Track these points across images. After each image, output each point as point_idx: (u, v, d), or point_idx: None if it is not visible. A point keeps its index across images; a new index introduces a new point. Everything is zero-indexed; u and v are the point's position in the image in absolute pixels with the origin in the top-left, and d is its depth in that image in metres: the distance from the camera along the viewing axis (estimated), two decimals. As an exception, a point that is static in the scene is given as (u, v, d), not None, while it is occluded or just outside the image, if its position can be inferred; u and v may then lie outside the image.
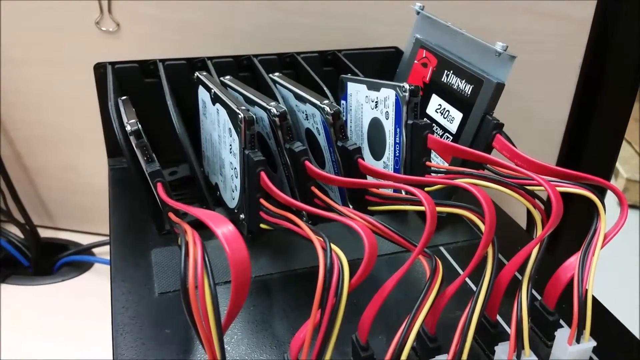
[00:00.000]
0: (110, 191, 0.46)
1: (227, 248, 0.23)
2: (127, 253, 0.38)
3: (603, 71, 0.58)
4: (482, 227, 0.26)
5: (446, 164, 0.40)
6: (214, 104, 0.38)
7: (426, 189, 0.34)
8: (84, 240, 0.69)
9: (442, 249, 0.40)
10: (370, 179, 0.35)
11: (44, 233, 0.69)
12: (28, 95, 0.61)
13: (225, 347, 0.30)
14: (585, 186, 0.29)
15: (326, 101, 0.36)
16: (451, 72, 0.41)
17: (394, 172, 0.39)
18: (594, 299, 0.31)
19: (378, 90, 0.40)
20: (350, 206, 0.36)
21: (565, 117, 0.61)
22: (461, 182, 0.29)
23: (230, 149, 0.36)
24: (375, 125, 0.41)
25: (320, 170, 0.33)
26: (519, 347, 0.27)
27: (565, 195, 0.28)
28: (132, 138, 0.33)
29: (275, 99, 0.39)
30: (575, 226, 0.53)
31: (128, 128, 0.33)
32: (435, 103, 0.43)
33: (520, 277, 0.29)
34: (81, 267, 0.65)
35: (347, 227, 0.26)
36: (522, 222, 0.45)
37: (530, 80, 0.57)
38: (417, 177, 0.36)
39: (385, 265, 0.37)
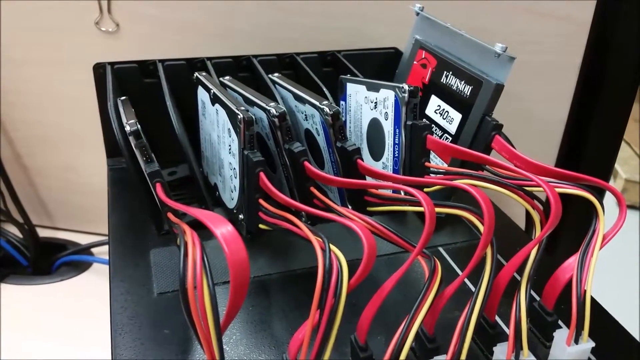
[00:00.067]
0: (109, 191, 0.46)
1: (226, 248, 0.23)
2: (126, 253, 0.38)
3: (602, 72, 0.58)
4: (481, 227, 0.26)
5: (445, 165, 0.40)
6: (213, 105, 0.38)
7: (425, 189, 0.34)
8: (83, 240, 0.69)
9: (441, 249, 0.40)
10: (369, 180, 0.35)
11: (42, 233, 0.69)
12: (28, 95, 0.61)
13: (224, 347, 0.30)
14: (584, 187, 0.29)
15: (325, 102, 0.36)
16: (450, 73, 0.41)
17: (393, 172, 0.39)
18: (593, 300, 0.31)
19: (377, 91, 0.40)
20: (349, 207, 0.36)
21: (564, 118, 0.61)
22: (460, 183, 0.29)
23: (230, 149, 0.36)
24: (375, 126, 0.41)
25: (320, 170, 0.33)
26: (517, 347, 0.27)
27: (564, 196, 0.28)
28: (131, 138, 0.33)
29: (274, 99, 0.39)
30: (574, 227, 0.53)
31: (127, 128, 0.33)
32: (434, 104, 0.43)
33: (519, 278, 0.29)
34: (80, 267, 0.65)
35: (346, 227, 0.26)
36: (521, 223, 0.45)
37: (529, 81, 0.57)
38: (416, 177, 0.36)
39: (384, 265, 0.37)
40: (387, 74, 0.49)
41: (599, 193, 0.29)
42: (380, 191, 0.33)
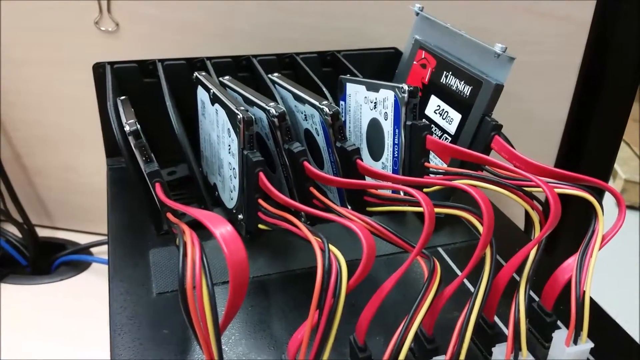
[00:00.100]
0: (108, 191, 0.46)
1: (225, 249, 0.23)
2: (125, 253, 0.38)
3: (602, 72, 0.58)
4: (480, 228, 0.26)
5: (445, 165, 0.40)
6: (213, 104, 0.38)
7: (424, 190, 0.34)
8: (82, 239, 0.69)
9: (440, 249, 0.40)
10: (368, 180, 0.35)
11: (42, 232, 0.69)
12: (28, 95, 0.61)
13: (223, 347, 0.31)
14: (583, 187, 0.29)
15: (325, 102, 0.36)
16: (450, 73, 0.41)
17: (393, 173, 0.39)
18: (592, 301, 0.31)
19: (377, 91, 0.40)
20: (349, 207, 0.36)
21: (564, 118, 0.61)
22: (459, 183, 0.29)
23: (229, 149, 0.36)
24: (374, 126, 0.41)
25: (319, 170, 0.33)
26: (516, 348, 0.27)
27: (563, 197, 0.28)
28: (130, 138, 0.33)
29: (274, 99, 0.39)
30: (574, 227, 0.53)
31: (127, 128, 0.33)
32: (434, 104, 0.43)
33: (518, 278, 0.29)
34: (79, 267, 0.65)
35: (346, 228, 0.26)
36: (520, 224, 0.45)
37: (529, 81, 0.57)
38: (416, 178, 0.36)
39: (384, 266, 0.37)
40: (387, 74, 0.49)
41: (599, 193, 0.29)
42: (380, 191, 0.33)
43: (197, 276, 0.23)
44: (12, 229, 0.66)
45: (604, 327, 0.33)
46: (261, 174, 0.32)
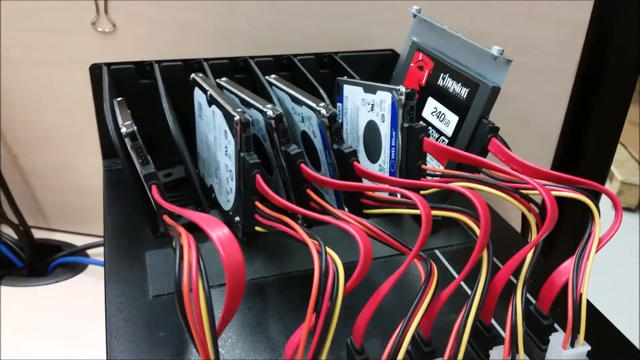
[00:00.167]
0: (105, 193, 0.46)
1: (221, 251, 0.23)
2: (121, 255, 0.38)
3: (599, 73, 0.58)
4: (477, 230, 0.26)
5: (442, 168, 0.40)
6: (209, 106, 0.38)
7: (421, 192, 0.34)
8: (78, 241, 0.69)
9: (437, 252, 0.40)
10: (365, 182, 0.35)
11: (38, 234, 0.69)
12: (28, 95, 0.61)
13: (220, 350, 0.30)
14: (580, 190, 0.29)
15: (322, 104, 0.36)
16: (447, 75, 0.41)
17: (390, 175, 0.39)
18: (589, 303, 0.31)
19: (374, 93, 0.40)
20: (346, 209, 0.36)
21: (561, 120, 0.61)
22: (456, 185, 0.29)
23: (226, 151, 0.36)
24: (371, 128, 0.41)
25: (316, 173, 0.33)
26: (513, 351, 0.27)
27: (560, 199, 0.28)
28: (127, 140, 0.33)
29: (271, 101, 0.39)
30: (570, 230, 0.53)
31: (123, 130, 0.33)
32: (431, 106, 0.43)
33: (515, 281, 0.29)
34: (75, 269, 0.65)
35: (343, 230, 0.26)
36: (517, 226, 0.45)
37: (526, 83, 0.58)
38: (413, 180, 0.36)
39: (381, 268, 0.37)
40: (384, 75, 0.49)
41: (595, 196, 0.29)
42: (377, 194, 0.33)
43: (194, 279, 0.23)
44: (8, 231, 0.66)
45: (601, 330, 0.33)
46: (258, 176, 0.32)
